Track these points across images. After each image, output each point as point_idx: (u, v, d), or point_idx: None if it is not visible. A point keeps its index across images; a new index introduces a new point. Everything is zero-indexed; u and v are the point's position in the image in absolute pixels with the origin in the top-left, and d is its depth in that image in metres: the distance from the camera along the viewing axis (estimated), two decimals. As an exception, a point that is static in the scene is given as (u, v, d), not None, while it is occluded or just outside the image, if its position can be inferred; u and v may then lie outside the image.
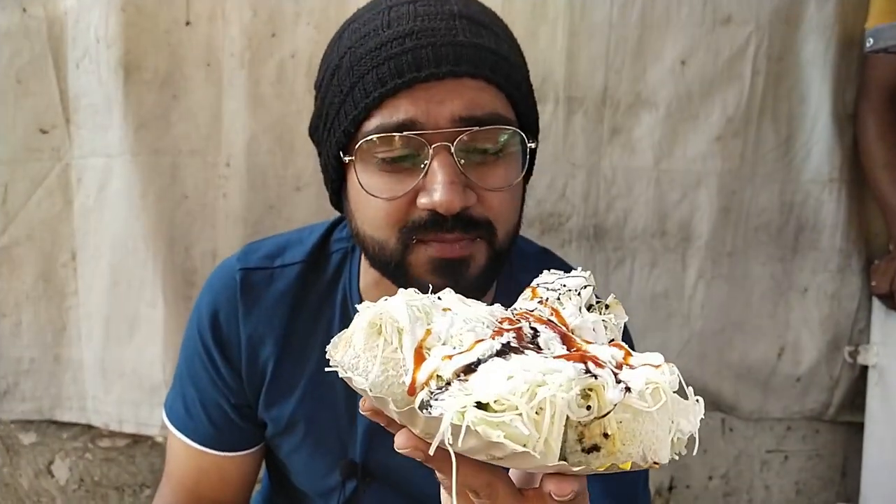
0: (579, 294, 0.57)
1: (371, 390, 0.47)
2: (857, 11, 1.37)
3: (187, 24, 1.26)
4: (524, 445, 0.42)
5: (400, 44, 0.75)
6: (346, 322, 0.89)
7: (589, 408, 0.44)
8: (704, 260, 1.42)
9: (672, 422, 0.46)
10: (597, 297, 0.59)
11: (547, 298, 0.57)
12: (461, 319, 0.50)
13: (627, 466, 0.45)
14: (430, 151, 0.74)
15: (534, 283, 0.60)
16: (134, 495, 1.45)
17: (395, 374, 0.48)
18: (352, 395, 0.90)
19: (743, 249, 1.44)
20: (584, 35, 1.33)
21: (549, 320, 0.54)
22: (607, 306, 0.58)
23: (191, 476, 0.96)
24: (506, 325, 0.50)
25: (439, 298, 0.54)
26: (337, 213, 1.01)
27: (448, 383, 0.45)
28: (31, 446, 1.42)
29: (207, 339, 0.92)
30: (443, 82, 0.75)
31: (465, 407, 0.43)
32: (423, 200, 0.75)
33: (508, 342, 0.48)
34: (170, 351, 1.29)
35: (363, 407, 0.50)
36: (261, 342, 0.91)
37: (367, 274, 0.92)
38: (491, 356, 0.46)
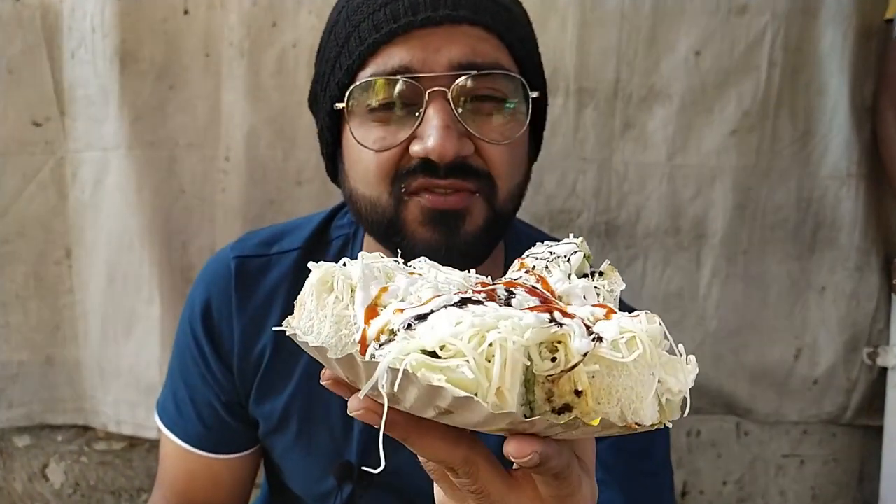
0: (568, 260, 0.52)
1: (315, 349, 0.42)
2: (875, 2, 1.33)
3: (185, 12, 1.22)
4: (473, 393, 0.37)
5: None
6: None
7: (554, 359, 0.40)
8: (719, 258, 1.38)
9: (656, 378, 0.40)
10: (592, 266, 0.55)
11: (534, 267, 0.52)
12: (427, 280, 0.47)
13: (596, 423, 0.39)
14: (426, 98, 0.71)
15: (524, 255, 0.56)
16: (131, 500, 1.41)
17: (347, 332, 0.45)
18: None
19: (759, 247, 1.39)
20: (595, 25, 1.29)
21: (532, 287, 0.49)
22: (602, 273, 0.53)
23: (182, 478, 0.92)
24: (478, 288, 0.46)
25: (409, 264, 0.50)
26: (336, 203, 0.97)
27: (395, 333, 0.41)
28: (24, 449, 1.38)
29: (198, 331, 0.88)
30: (441, 28, 0.72)
31: (407, 353, 0.38)
32: (415, 148, 0.72)
33: (469, 297, 0.43)
34: (167, 350, 1.24)
35: (323, 377, 0.45)
36: (256, 333, 0.87)
37: None
38: (445, 306, 0.41)
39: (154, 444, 1.36)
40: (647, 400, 0.40)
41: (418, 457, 0.46)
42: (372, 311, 0.44)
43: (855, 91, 1.36)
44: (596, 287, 0.50)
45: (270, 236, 0.93)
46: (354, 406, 0.41)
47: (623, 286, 0.52)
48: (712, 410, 1.45)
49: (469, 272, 0.51)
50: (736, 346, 1.42)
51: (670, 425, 0.42)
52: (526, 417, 0.39)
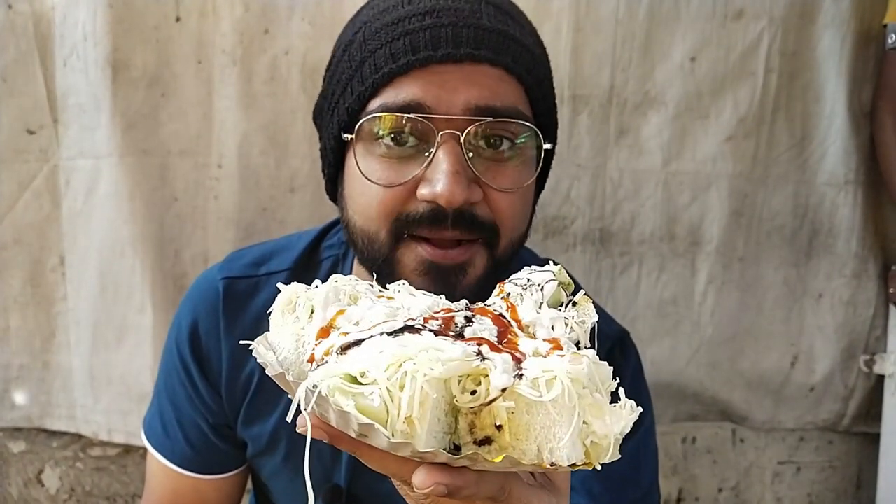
0: (542, 289, 0.53)
1: (274, 367, 0.45)
2: (874, 6, 1.32)
3: (177, 20, 1.21)
4: (381, 422, 0.39)
5: (419, 20, 0.70)
6: None
7: (473, 392, 0.41)
8: (715, 265, 1.37)
9: (580, 419, 0.41)
10: (572, 294, 0.55)
11: (509, 294, 0.53)
12: (389, 306, 0.49)
13: (498, 460, 0.41)
14: (438, 139, 0.69)
15: (506, 280, 0.56)
16: (125, 505, 1.41)
17: (304, 350, 0.48)
18: None
19: (755, 254, 1.38)
20: (589, 31, 1.28)
21: (500, 315, 0.50)
22: (575, 304, 0.54)
23: (168, 498, 0.92)
24: (441, 315, 0.47)
25: (386, 289, 0.52)
26: (329, 219, 0.97)
27: (328, 357, 0.44)
28: (20, 455, 1.38)
29: (186, 354, 0.88)
30: (460, 67, 0.70)
31: (331, 376, 0.41)
32: (423, 191, 0.69)
33: (412, 325, 0.45)
34: (158, 358, 1.24)
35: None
36: (244, 356, 0.86)
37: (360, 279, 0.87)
38: (381, 334, 0.44)
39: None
40: (565, 440, 0.40)
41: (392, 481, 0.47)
42: (324, 333, 0.46)
43: (853, 97, 1.34)
44: (566, 318, 0.50)
45: (259, 256, 0.91)
46: (300, 423, 0.43)
47: (595, 318, 0.51)
48: (708, 417, 1.44)
49: (439, 297, 0.51)
50: (732, 352, 1.41)
51: (599, 467, 0.42)
52: (447, 449, 0.41)
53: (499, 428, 0.41)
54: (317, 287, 0.50)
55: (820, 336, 1.42)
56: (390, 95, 0.70)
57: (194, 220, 1.27)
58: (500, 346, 0.44)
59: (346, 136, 0.73)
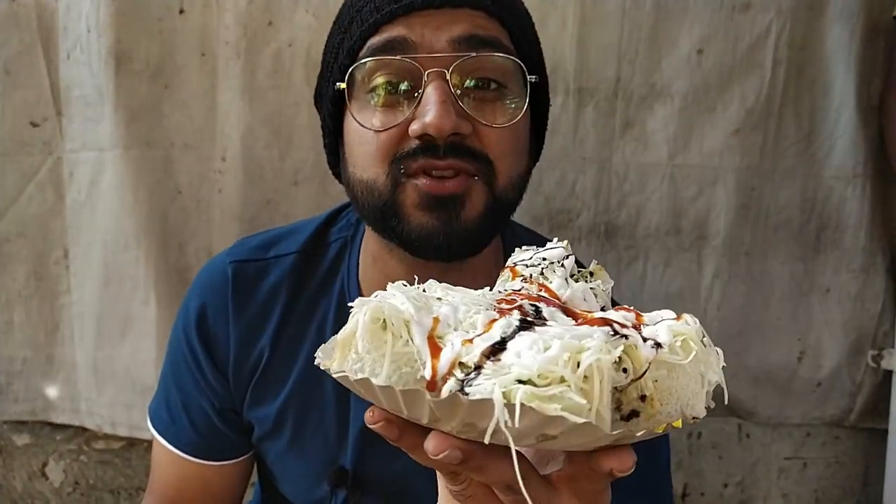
0: (562, 265, 0.54)
1: (396, 387, 0.42)
2: (883, -1, 1.30)
3: (181, 11, 1.21)
4: (584, 416, 0.39)
5: None
6: (342, 315, 0.86)
7: (625, 370, 0.42)
8: (721, 259, 1.36)
9: (701, 374, 0.44)
10: (579, 265, 0.56)
11: (531, 275, 0.53)
12: (461, 304, 0.46)
13: (661, 429, 0.43)
14: (425, 78, 0.70)
15: (510, 263, 0.56)
16: (130, 498, 1.41)
17: (409, 370, 0.44)
18: (342, 397, 0.85)
19: (762, 248, 1.37)
20: (595, 22, 1.27)
21: (541, 296, 0.50)
22: (592, 273, 0.55)
23: (173, 485, 0.91)
24: (505, 306, 0.47)
25: (423, 290, 0.50)
26: (334, 206, 0.97)
27: (477, 367, 0.41)
28: (24, 448, 1.39)
29: (193, 339, 0.88)
30: (441, 11, 0.72)
31: (509, 385, 0.39)
32: (414, 127, 0.71)
33: (524, 318, 0.45)
34: (163, 352, 1.23)
35: (371, 419, 0.44)
36: (252, 338, 0.87)
37: (366, 262, 0.87)
38: (516, 332, 0.43)
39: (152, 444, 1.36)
40: (701, 394, 0.44)
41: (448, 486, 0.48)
42: (434, 345, 0.44)
43: (861, 90, 1.33)
44: (592, 288, 0.51)
45: (267, 240, 0.92)
46: (438, 447, 0.42)
47: (612, 283, 0.54)
48: (713, 412, 1.41)
49: (486, 290, 0.51)
50: (738, 347, 1.40)
51: (706, 412, 0.45)
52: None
53: (642, 399, 0.42)
54: (388, 297, 0.46)
55: (827, 331, 1.41)
56: (376, 41, 0.73)
57: (198, 213, 1.27)
58: (622, 323, 0.45)
59: (339, 85, 0.75)
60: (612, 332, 0.43)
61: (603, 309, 0.51)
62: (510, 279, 0.54)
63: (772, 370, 1.42)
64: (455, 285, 0.51)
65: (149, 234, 1.24)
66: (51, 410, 1.34)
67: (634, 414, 0.42)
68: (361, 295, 0.87)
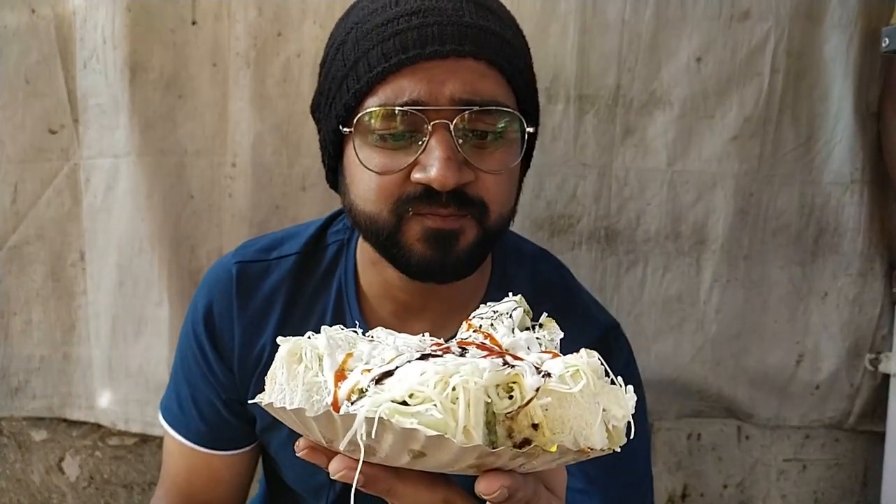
0: (510, 316, 0.58)
1: (308, 413, 0.46)
2: (881, 7, 1.32)
3: (193, 23, 1.25)
4: (448, 433, 0.42)
5: (406, 21, 0.76)
6: (339, 312, 0.92)
7: (511, 397, 0.44)
8: (720, 263, 1.38)
9: (601, 406, 0.45)
10: (532, 319, 0.60)
11: (480, 326, 0.57)
12: (387, 345, 0.51)
13: (554, 449, 0.44)
14: (429, 128, 0.74)
15: (470, 317, 0.61)
16: (143, 493, 1.46)
17: (318, 398, 0.49)
18: None
19: (760, 253, 1.39)
20: (596, 31, 1.30)
21: (482, 343, 0.54)
22: (541, 325, 0.58)
23: (183, 475, 0.96)
24: (432, 350, 0.51)
25: (367, 334, 0.55)
26: (336, 209, 1.01)
27: (364, 391, 0.46)
28: (42, 443, 1.43)
29: (201, 333, 0.93)
30: (446, 62, 0.75)
31: (380, 403, 0.43)
32: (417, 175, 0.76)
33: (429, 353, 0.48)
34: (175, 351, 1.28)
35: (298, 447, 0.50)
36: (255, 334, 0.92)
37: (363, 263, 0.92)
38: (409, 361, 0.46)
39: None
40: (596, 425, 0.45)
41: None
42: (340, 375, 0.48)
43: (859, 96, 1.35)
44: (538, 338, 0.55)
45: (270, 243, 0.98)
46: (336, 467, 0.46)
47: (561, 335, 0.57)
48: (713, 414, 1.45)
49: (423, 335, 0.55)
50: (737, 350, 1.42)
51: (618, 450, 0.46)
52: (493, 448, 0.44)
53: (535, 427, 0.44)
54: (309, 338, 0.52)
55: (825, 334, 1.43)
56: (387, 93, 0.76)
57: (209, 218, 1.31)
58: (518, 356, 0.48)
59: (344, 129, 0.80)
60: (503, 363, 0.45)
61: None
62: (466, 330, 0.59)
63: (770, 373, 1.44)
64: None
65: (162, 237, 1.28)
66: (67, 407, 1.39)
67: (527, 442, 0.44)
68: (361, 295, 0.93)
